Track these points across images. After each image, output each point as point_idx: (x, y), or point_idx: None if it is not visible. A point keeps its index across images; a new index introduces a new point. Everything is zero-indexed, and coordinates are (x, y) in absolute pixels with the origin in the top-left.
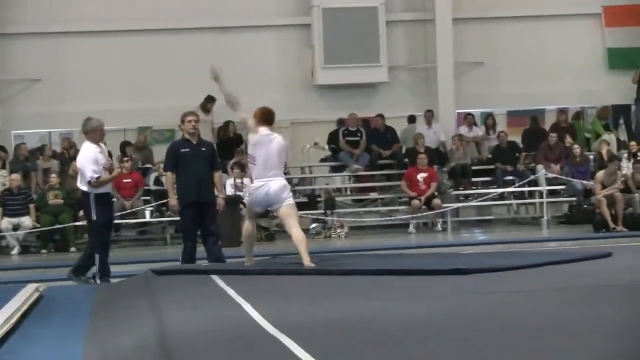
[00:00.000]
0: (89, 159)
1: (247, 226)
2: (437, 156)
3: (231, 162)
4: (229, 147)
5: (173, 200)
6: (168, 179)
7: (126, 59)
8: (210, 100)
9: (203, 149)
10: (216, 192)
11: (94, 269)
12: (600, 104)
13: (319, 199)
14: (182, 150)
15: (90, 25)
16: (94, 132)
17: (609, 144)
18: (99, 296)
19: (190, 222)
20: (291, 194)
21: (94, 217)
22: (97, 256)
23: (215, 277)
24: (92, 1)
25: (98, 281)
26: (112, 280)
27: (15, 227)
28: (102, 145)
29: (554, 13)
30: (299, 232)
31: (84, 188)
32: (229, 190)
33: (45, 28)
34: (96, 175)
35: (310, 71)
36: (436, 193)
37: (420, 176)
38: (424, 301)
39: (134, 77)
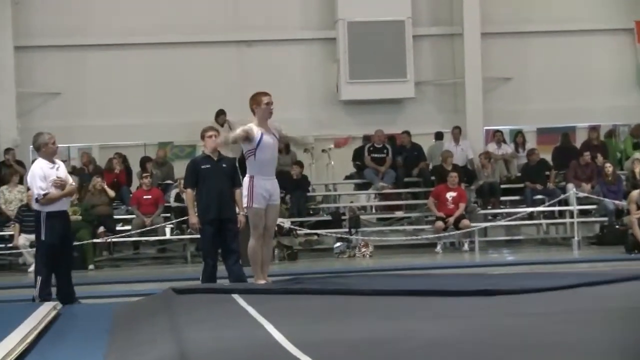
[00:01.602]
0: (37, 176)
1: (253, 245)
2: (465, 174)
3: None
4: None
5: (193, 217)
6: (188, 196)
7: (147, 73)
8: (220, 113)
9: (224, 165)
10: (237, 210)
11: (35, 292)
12: (633, 121)
13: (343, 217)
14: (203, 166)
15: (111, 38)
16: (46, 147)
17: None
18: (118, 315)
19: (211, 240)
20: None
21: (42, 236)
22: (38, 278)
23: (236, 297)
24: (114, 13)
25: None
26: (133, 299)
27: (32, 244)
28: (58, 161)
29: (585, 28)
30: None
31: (36, 207)
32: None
33: (65, 41)
34: (43, 192)
35: (335, 86)
36: (464, 213)
37: (450, 195)
38: (450, 322)
39: (155, 91)
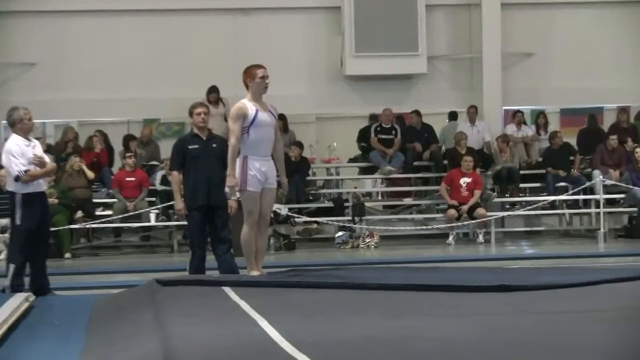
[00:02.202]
0: (14, 153)
1: (246, 233)
2: (481, 158)
3: None
4: None
5: (179, 203)
6: (174, 179)
7: (132, 43)
8: (212, 91)
9: (214, 145)
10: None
11: (6, 282)
12: None
13: (346, 204)
14: (190, 146)
15: (93, 3)
16: (21, 124)
17: None
18: (97, 308)
19: (199, 228)
20: None
21: (17, 221)
22: (11, 266)
23: (227, 289)
24: None
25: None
26: (113, 291)
27: (3, 229)
28: (33, 139)
29: (613, 0)
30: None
31: (10, 187)
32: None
33: (43, 6)
34: (24, 169)
35: (340, 60)
36: (479, 201)
37: (464, 181)
38: (462, 320)
39: (141, 63)
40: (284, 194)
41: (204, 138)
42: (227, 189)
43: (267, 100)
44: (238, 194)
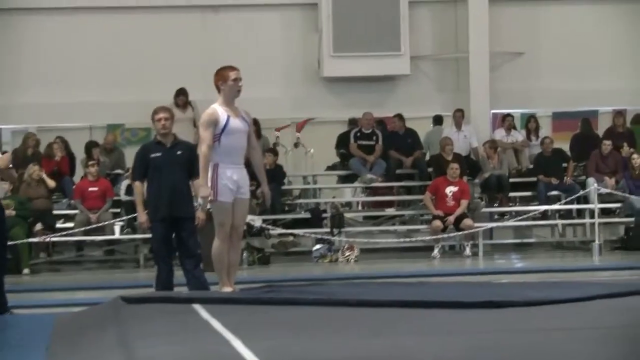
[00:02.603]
0: None
1: (217, 247)
2: (468, 165)
3: None
4: None
5: (142, 215)
6: (137, 190)
7: (95, 43)
8: (180, 93)
9: (178, 152)
10: (195, 204)
11: None
12: None
13: (324, 215)
14: (153, 155)
15: (50, 0)
16: None
17: None
18: (57, 328)
19: (163, 241)
20: None
21: None
22: None
23: (197, 307)
24: None
25: None
26: (75, 309)
27: None
28: None
29: None
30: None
31: None
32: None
33: None
34: None
35: (317, 60)
36: (466, 211)
37: (450, 190)
38: (448, 339)
39: (104, 64)
40: (267, 204)
41: (168, 145)
42: (200, 200)
43: (240, 104)
44: (209, 205)
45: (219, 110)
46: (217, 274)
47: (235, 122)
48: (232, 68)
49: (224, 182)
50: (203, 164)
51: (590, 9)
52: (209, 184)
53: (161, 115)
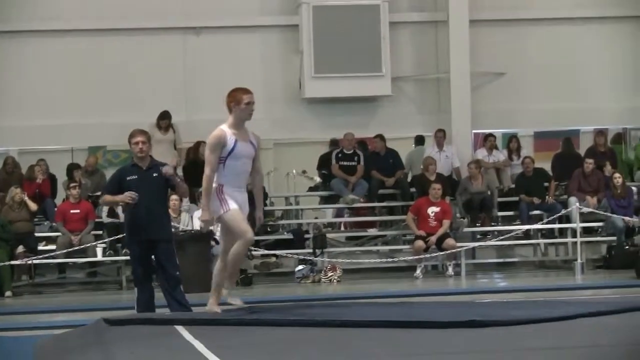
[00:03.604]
0: None
1: (239, 251)
2: (450, 185)
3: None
4: (199, 172)
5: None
6: (106, 199)
7: (76, 65)
8: (163, 117)
9: (155, 174)
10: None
11: None
12: None
13: (306, 236)
14: (129, 177)
15: (33, 23)
16: None
17: None
18: (39, 351)
19: (139, 263)
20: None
21: None
22: None
23: (180, 328)
24: None
25: None
26: (57, 331)
27: None
28: None
29: (592, 15)
30: None
31: None
32: (196, 224)
33: None
34: None
35: (298, 82)
36: (448, 231)
37: (432, 210)
38: (431, 359)
39: (86, 86)
40: (255, 229)
41: (144, 168)
42: (201, 224)
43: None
44: (215, 226)
45: (227, 133)
46: (230, 278)
47: (243, 147)
48: (246, 91)
49: (229, 197)
50: (206, 187)
51: (570, 30)
52: (215, 202)
53: (138, 138)
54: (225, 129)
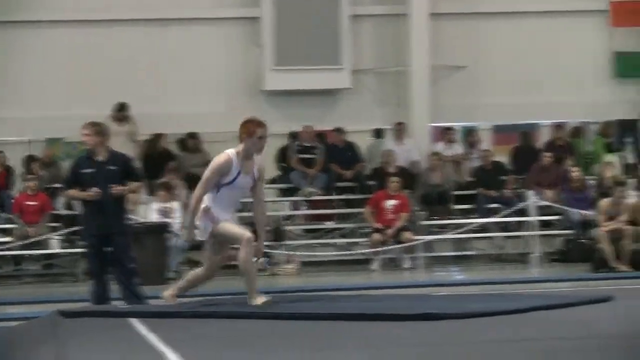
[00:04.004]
0: None
1: (244, 257)
2: (409, 179)
3: (158, 182)
4: (157, 164)
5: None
6: (72, 194)
7: (33, 56)
8: (120, 109)
9: (111, 167)
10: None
11: None
12: (604, 118)
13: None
14: (84, 170)
15: None
16: None
17: (613, 166)
18: None
19: (96, 256)
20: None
21: None
22: None
23: (135, 321)
24: None
25: None
26: (12, 324)
27: None
28: None
29: (551, 9)
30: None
31: None
32: (153, 217)
33: None
34: None
35: (258, 74)
36: (406, 224)
37: (389, 203)
38: (386, 352)
39: (44, 77)
40: (261, 263)
41: (99, 160)
42: (184, 237)
43: (181, 118)
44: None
45: (234, 162)
46: (250, 284)
47: (244, 179)
48: (260, 124)
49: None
50: (193, 205)
51: (530, 24)
52: (204, 222)
53: (84, 131)
54: (234, 158)
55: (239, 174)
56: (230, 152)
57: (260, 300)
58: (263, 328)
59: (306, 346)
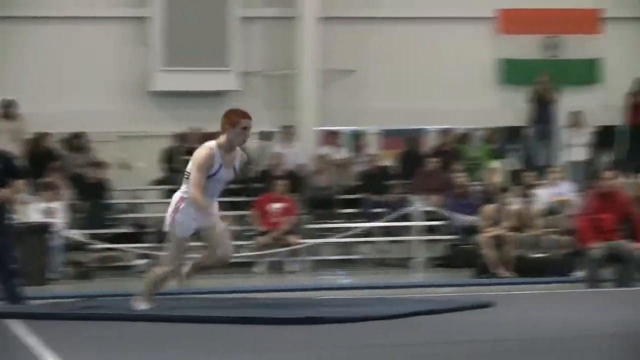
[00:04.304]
0: None
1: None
2: (295, 182)
3: (41, 181)
4: (41, 163)
5: None
6: None
7: None
8: (7, 105)
9: None
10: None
11: None
12: (489, 125)
13: (148, 230)
14: None
15: None
16: None
17: (498, 173)
18: None
19: None
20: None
21: None
22: None
23: (15, 322)
24: None
25: None
26: None
27: None
28: None
29: (440, 15)
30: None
31: None
32: (35, 217)
33: None
34: None
35: (146, 75)
36: (292, 227)
37: (275, 206)
38: (266, 355)
39: None
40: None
41: None
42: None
43: (68, 116)
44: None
45: (216, 155)
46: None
47: (225, 173)
48: (245, 115)
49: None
50: (196, 197)
51: (421, 30)
52: (194, 211)
53: None
54: (215, 150)
55: (220, 167)
56: (211, 144)
57: (143, 305)
58: (143, 329)
59: (187, 349)
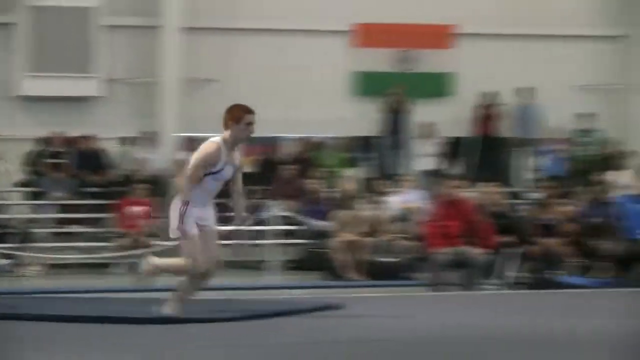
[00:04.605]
0: None
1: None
2: (156, 186)
3: None
4: None
5: None
6: None
7: None
8: None
9: None
10: None
11: None
12: (343, 134)
13: (9, 231)
14: None
15: None
16: None
17: (352, 180)
18: None
19: None
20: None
21: None
22: None
23: None
24: None
25: None
26: None
27: None
28: None
29: (299, 28)
30: None
31: None
32: None
33: None
34: None
35: (12, 80)
36: (153, 230)
37: (136, 210)
38: (127, 355)
39: None
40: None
41: None
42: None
43: None
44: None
45: (222, 153)
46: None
47: (228, 171)
48: (248, 110)
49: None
50: (185, 201)
51: (280, 41)
52: (176, 214)
53: None
54: (222, 147)
55: (225, 164)
56: (217, 140)
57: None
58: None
59: (45, 347)
